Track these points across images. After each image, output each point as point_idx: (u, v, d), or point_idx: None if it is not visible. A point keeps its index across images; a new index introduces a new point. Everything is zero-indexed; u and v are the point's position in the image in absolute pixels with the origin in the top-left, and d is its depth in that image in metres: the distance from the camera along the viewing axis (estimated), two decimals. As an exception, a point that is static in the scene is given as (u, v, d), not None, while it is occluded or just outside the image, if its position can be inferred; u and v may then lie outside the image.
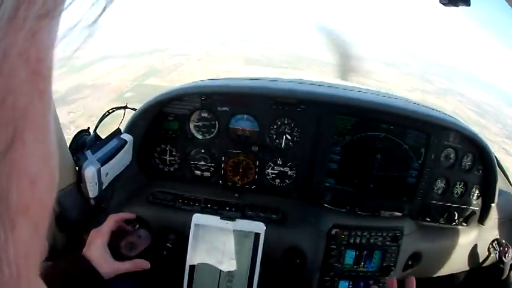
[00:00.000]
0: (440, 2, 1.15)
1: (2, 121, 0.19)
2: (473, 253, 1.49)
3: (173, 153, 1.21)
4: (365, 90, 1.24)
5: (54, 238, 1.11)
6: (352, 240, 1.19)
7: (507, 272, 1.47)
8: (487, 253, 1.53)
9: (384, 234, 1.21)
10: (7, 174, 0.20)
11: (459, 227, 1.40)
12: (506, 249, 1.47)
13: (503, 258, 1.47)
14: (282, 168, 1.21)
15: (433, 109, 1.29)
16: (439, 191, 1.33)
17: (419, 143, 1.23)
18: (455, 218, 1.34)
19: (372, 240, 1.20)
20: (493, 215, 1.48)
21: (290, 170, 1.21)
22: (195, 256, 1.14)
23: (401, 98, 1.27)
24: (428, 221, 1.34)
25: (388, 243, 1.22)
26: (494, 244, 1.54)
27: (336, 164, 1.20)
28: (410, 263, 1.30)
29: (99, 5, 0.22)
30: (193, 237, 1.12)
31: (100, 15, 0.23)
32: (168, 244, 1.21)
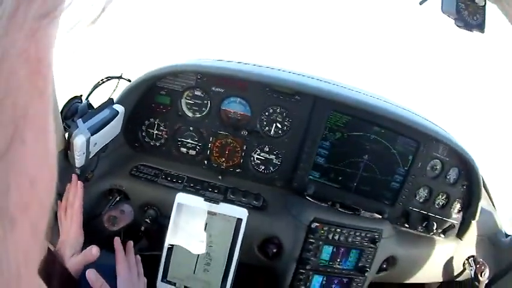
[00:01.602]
0: (455, 23, 1.17)
1: (2, 121, 0.19)
2: (448, 266, 1.51)
3: (161, 128, 1.22)
4: (364, 92, 1.25)
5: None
6: (330, 236, 1.20)
7: None
8: (462, 268, 1.56)
9: (363, 235, 1.22)
10: (7, 174, 0.20)
11: (436, 237, 1.43)
12: (482, 267, 1.49)
13: (479, 277, 1.49)
14: (268, 156, 1.22)
15: (427, 120, 1.31)
16: (421, 200, 1.36)
17: (408, 150, 1.25)
18: (434, 228, 1.36)
19: (350, 239, 1.22)
20: (473, 232, 1.51)
21: (276, 158, 1.23)
22: (174, 236, 1.14)
23: (398, 105, 1.29)
24: (406, 227, 1.36)
25: (366, 243, 1.24)
26: (470, 260, 1.57)
27: (323, 159, 1.22)
28: (385, 266, 1.32)
29: (98, 6, 0.22)
30: (175, 216, 1.13)
31: (99, 15, 0.23)
32: (147, 220, 1.21)
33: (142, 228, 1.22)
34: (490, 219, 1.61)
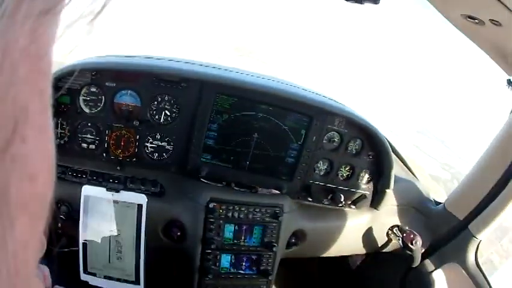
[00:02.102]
0: None
1: (2, 117, 0.19)
2: (369, 237, 1.53)
3: (63, 127, 1.28)
4: (249, 72, 1.31)
5: None
6: (230, 215, 1.25)
7: (419, 259, 1.50)
8: (387, 238, 1.58)
9: (263, 211, 1.27)
10: (7, 171, 0.20)
11: (347, 209, 1.46)
12: (411, 236, 1.48)
13: (411, 246, 1.49)
14: (160, 143, 1.28)
15: (318, 94, 1.36)
16: (321, 173, 1.40)
17: (299, 125, 1.29)
18: (341, 200, 1.39)
19: (250, 216, 1.26)
20: (390, 201, 1.53)
21: (168, 145, 1.28)
22: (86, 229, 1.21)
23: (287, 82, 1.34)
24: (310, 201, 1.39)
25: (267, 219, 1.28)
26: (395, 230, 1.58)
27: (212, 141, 1.27)
28: (293, 240, 1.35)
29: (99, 2, 0.23)
30: (83, 209, 1.19)
31: (99, 12, 0.23)
32: (62, 216, 1.27)
33: (59, 224, 1.28)
34: (411, 189, 1.62)
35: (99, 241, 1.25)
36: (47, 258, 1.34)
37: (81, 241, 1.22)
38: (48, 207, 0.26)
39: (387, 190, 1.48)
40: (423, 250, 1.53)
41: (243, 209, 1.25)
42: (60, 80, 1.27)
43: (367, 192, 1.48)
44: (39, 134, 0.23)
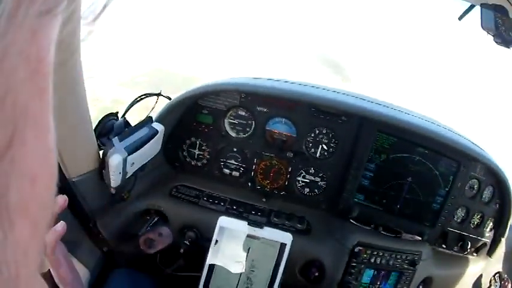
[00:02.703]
0: (494, 40, 1.15)
1: (2, 120, 0.19)
2: (478, 284, 1.51)
3: (203, 148, 1.17)
4: (407, 111, 1.23)
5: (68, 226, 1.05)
6: (373, 260, 1.18)
7: None
8: (488, 285, 1.56)
9: (403, 257, 1.21)
10: (7, 173, 0.20)
11: (470, 256, 1.42)
12: (506, 283, 1.50)
13: None
14: (313, 178, 1.19)
15: (467, 139, 1.30)
16: (459, 220, 1.35)
17: (449, 170, 1.23)
18: (468, 247, 1.36)
19: (391, 262, 1.20)
20: (501, 248, 1.51)
21: (321, 181, 1.19)
22: (215, 258, 1.10)
23: (438, 123, 1.28)
24: (444, 248, 1.35)
25: (406, 266, 1.22)
26: (495, 277, 1.57)
27: (368, 181, 1.19)
28: (421, 287, 1.31)
29: (99, 4, 0.22)
30: (216, 239, 1.08)
31: (100, 13, 0.22)
32: (186, 242, 1.16)
33: (182, 250, 1.17)
34: None
35: (227, 274, 1.14)
36: (160, 278, 1.24)
37: (206, 268, 1.11)
38: (50, 208, 0.25)
39: (502, 238, 1.46)
40: None
41: (386, 254, 1.18)
42: (202, 98, 1.15)
43: (488, 241, 1.45)
44: (39, 136, 0.22)
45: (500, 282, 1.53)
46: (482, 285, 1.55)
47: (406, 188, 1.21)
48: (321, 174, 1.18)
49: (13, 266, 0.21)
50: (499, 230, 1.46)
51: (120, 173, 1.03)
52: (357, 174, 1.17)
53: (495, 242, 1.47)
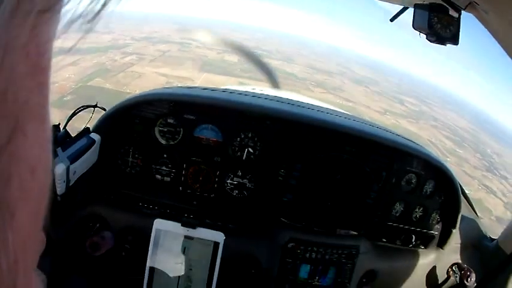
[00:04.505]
0: (427, 38, 1.18)
1: (3, 113, 0.20)
2: (432, 275, 1.52)
3: (136, 156, 1.24)
4: (334, 112, 1.27)
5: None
6: (307, 255, 1.22)
7: None
8: (446, 276, 1.57)
9: (340, 252, 1.24)
10: (8, 165, 0.20)
11: (417, 249, 1.44)
12: (468, 273, 1.50)
13: (465, 282, 1.50)
14: (241, 180, 1.24)
15: (399, 135, 1.32)
16: (397, 214, 1.37)
17: (381, 167, 1.26)
18: (413, 241, 1.37)
19: (327, 256, 1.24)
20: (454, 240, 1.52)
21: (249, 182, 1.25)
22: (155, 259, 1.17)
23: (369, 122, 1.31)
24: (384, 242, 1.37)
25: (343, 260, 1.26)
26: (454, 268, 1.58)
27: (295, 181, 1.24)
28: (364, 280, 1.34)
29: (99, 1, 0.23)
30: (154, 242, 1.15)
31: (100, 11, 0.23)
32: (127, 245, 1.24)
33: (123, 253, 1.25)
34: (472, 227, 1.62)
35: (168, 275, 1.21)
36: (108, 282, 1.32)
37: (147, 271, 1.18)
38: (47, 199, 0.26)
39: (453, 230, 1.47)
40: (475, 285, 1.54)
41: (320, 249, 1.23)
42: (134, 108, 1.23)
43: (436, 233, 1.46)
44: (39, 128, 0.23)
45: (461, 273, 1.54)
46: (439, 277, 1.56)
47: (335, 185, 1.24)
48: (248, 176, 1.24)
49: (12, 257, 0.22)
50: (448, 222, 1.46)
51: (64, 181, 1.13)
52: (284, 174, 1.22)
53: (445, 234, 1.47)
